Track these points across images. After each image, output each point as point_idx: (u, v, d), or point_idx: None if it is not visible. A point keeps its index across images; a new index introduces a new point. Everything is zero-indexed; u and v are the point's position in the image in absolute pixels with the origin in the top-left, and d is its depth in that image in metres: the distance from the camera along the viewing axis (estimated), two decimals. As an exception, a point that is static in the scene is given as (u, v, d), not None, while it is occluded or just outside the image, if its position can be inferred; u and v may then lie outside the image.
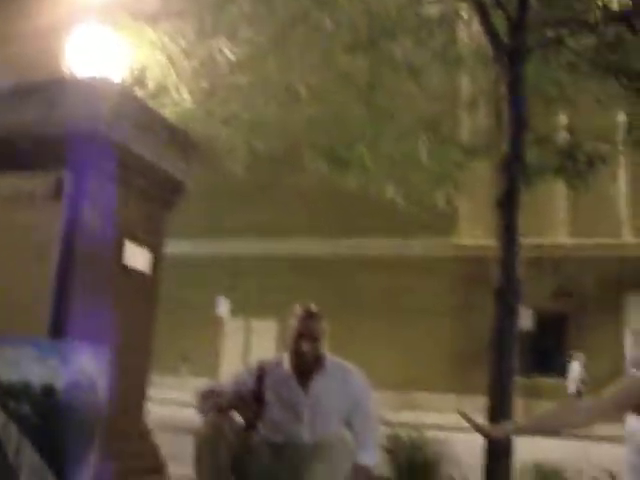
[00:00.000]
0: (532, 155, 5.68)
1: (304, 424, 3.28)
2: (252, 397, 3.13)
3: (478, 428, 2.86)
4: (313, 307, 3.54)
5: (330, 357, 3.50)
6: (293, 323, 3.42)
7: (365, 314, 22.66)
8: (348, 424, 3.35)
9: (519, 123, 5.01)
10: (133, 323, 5.63)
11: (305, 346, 3.33)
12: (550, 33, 5.75)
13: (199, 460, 3.03)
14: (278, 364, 3.48)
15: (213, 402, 3.30)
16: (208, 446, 2.99)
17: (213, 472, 2.96)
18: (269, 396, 3.32)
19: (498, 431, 3.05)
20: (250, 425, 3.11)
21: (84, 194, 5.18)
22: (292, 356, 3.40)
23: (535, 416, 3.39)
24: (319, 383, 3.37)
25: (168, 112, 6.92)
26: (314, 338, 3.36)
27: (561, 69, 6.05)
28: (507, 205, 4.82)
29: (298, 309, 3.49)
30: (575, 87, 6.24)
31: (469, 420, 2.86)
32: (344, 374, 3.45)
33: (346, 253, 23.76)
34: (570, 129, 6.44)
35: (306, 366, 3.38)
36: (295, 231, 24.02)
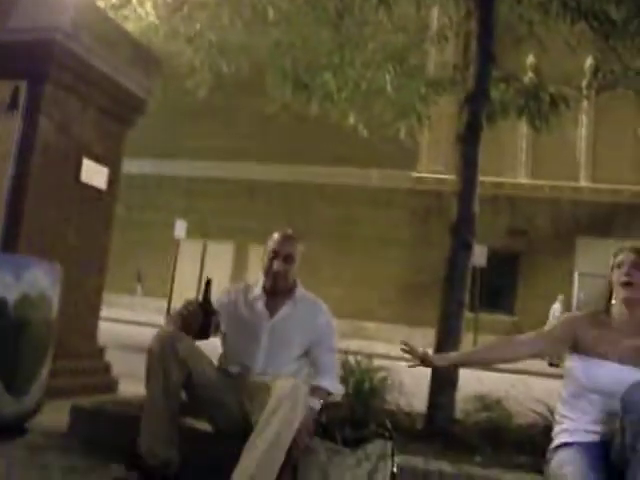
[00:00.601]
0: (497, 92, 5.68)
1: (261, 349, 3.27)
2: (199, 308, 3.10)
3: (421, 357, 2.92)
4: (289, 231, 3.54)
5: (302, 289, 3.49)
6: (269, 244, 3.42)
7: (320, 242, 22.77)
8: (308, 357, 3.36)
9: (486, 59, 4.99)
10: (88, 240, 5.59)
11: (277, 265, 3.33)
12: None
13: (149, 377, 3.03)
14: (249, 287, 3.48)
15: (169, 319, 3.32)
16: (158, 362, 2.99)
17: (163, 388, 2.97)
18: (230, 323, 3.33)
19: (440, 360, 3.12)
20: (197, 336, 3.10)
21: (40, 106, 5.06)
22: (265, 277, 3.40)
23: (477, 348, 3.49)
24: (286, 310, 3.37)
25: (131, 26, 6.73)
26: (287, 258, 3.35)
27: (532, 8, 6.00)
28: (468, 140, 4.83)
29: (275, 233, 3.48)
30: (545, 27, 6.20)
31: (412, 350, 2.92)
32: (313, 307, 3.45)
33: (304, 180, 23.71)
34: (537, 70, 6.45)
35: (277, 288, 3.38)
36: (254, 156, 23.85)
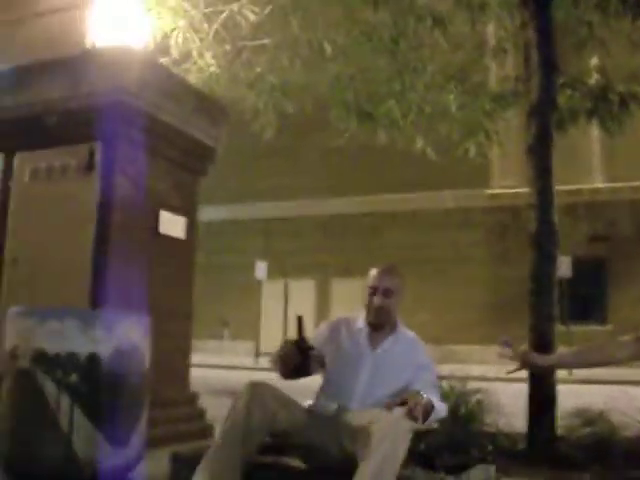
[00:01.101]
0: (563, 99, 5.58)
1: (360, 382, 3.22)
2: (295, 347, 3.08)
3: (521, 356, 2.85)
4: (389, 264, 3.55)
5: (403, 326, 3.48)
6: (368, 280, 3.42)
7: (400, 269, 22.63)
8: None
9: (549, 67, 4.91)
10: (173, 289, 5.71)
11: (377, 300, 3.32)
12: (577, -28, 5.61)
13: (228, 418, 3.01)
14: (354, 319, 3.48)
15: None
16: (243, 407, 2.97)
17: (243, 431, 2.91)
18: (333, 353, 3.30)
19: (540, 359, 3.03)
20: (298, 374, 3.08)
21: (115, 164, 5.23)
22: (367, 312, 3.40)
23: (579, 349, 3.36)
24: (388, 344, 3.35)
25: (193, 78, 6.91)
26: (386, 292, 3.33)
27: (590, 9, 5.90)
28: (539, 151, 4.75)
29: (374, 268, 3.48)
30: (606, 27, 6.08)
31: (512, 348, 2.86)
32: (413, 344, 3.44)
33: (376, 210, 23.67)
34: (602, 71, 6.28)
35: (379, 322, 3.36)
36: (326, 191, 23.98)
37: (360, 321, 3.42)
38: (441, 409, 3.26)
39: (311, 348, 3.10)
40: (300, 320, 3.13)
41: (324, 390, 3.34)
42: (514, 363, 2.90)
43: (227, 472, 2.93)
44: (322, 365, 3.27)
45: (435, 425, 3.59)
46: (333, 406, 3.21)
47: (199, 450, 4.18)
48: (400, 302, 3.42)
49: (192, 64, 6.96)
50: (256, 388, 3.05)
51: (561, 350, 4.06)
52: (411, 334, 3.47)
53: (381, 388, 3.23)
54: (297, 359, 3.04)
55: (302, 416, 3.13)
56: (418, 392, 3.09)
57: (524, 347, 2.90)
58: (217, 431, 3.01)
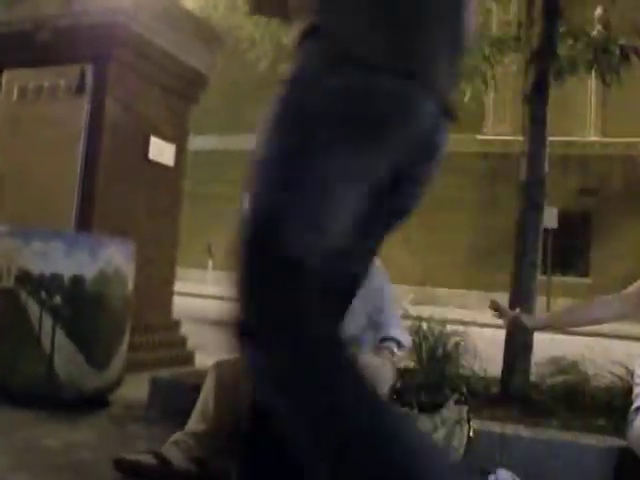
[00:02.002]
0: (564, 48, 5.51)
1: None
2: None
3: (512, 318, 2.88)
4: None
5: None
6: None
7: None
8: (371, 323, 3.26)
9: (552, 14, 4.83)
10: (158, 216, 5.70)
11: None
12: None
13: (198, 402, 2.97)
14: None
15: None
16: (207, 390, 2.96)
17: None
18: None
19: (530, 321, 3.06)
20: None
21: (106, 87, 5.15)
22: None
23: (567, 309, 3.39)
24: None
25: (190, 3, 6.77)
26: None
27: (599, -43, 5.79)
28: (536, 99, 4.70)
29: None
30: (612, -23, 5.99)
31: (502, 310, 2.89)
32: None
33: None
34: (605, 22, 6.19)
35: None
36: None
37: None
38: (404, 338, 3.28)
39: None
40: None
41: None
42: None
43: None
44: None
45: (406, 350, 3.57)
46: None
47: (179, 375, 4.26)
48: None
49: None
50: (222, 367, 3.03)
51: (552, 311, 4.12)
52: None
53: (347, 329, 3.23)
54: None
55: None
56: (386, 337, 3.13)
57: (513, 311, 2.92)
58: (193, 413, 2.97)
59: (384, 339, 3.18)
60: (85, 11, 5.15)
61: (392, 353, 3.14)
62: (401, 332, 3.29)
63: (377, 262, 3.44)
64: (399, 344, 3.20)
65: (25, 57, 5.46)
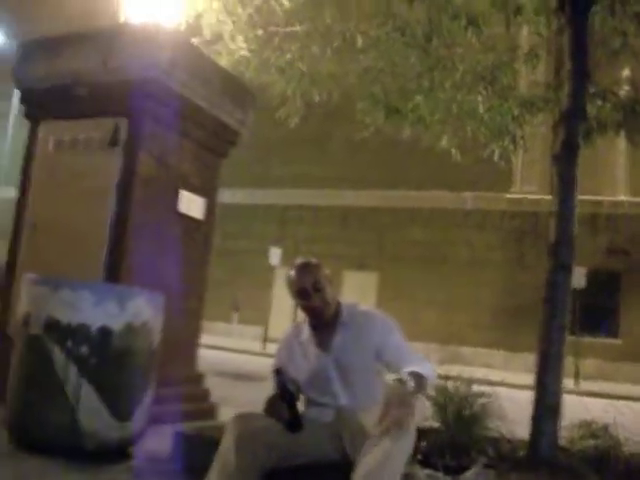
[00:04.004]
0: (593, 109, 5.54)
1: (336, 385, 3.14)
2: (280, 401, 2.96)
3: None
4: (302, 260, 3.28)
5: (346, 305, 3.29)
6: (290, 284, 3.20)
7: (414, 266, 22.63)
8: (385, 365, 3.13)
9: (581, 75, 4.86)
10: (187, 268, 5.74)
11: (310, 301, 3.14)
12: (617, -19, 5.55)
13: (218, 456, 2.89)
14: (299, 327, 3.34)
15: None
16: (227, 444, 2.87)
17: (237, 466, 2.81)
18: (298, 374, 3.16)
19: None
20: (291, 428, 2.95)
21: (140, 141, 5.25)
22: (307, 316, 3.24)
23: None
24: (338, 339, 3.18)
25: (223, 60, 6.91)
26: (315, 287, 3.13)
27: (627, 19, 5.83)
28: (565, 160, 4.71)
29: (291, 270, 3.24)
30: (640, 38, 6.02)
31: None
32: (364, 320, 3.22)
33: (396, 205, 23.63)
34: (633, 83, 6.23)
35: (322, 320, 3.20)
36: (346, 182, 23.95)
37: (305, 329, 3.29)
38: (428, 371, 3.01)
39: (297, 398, 3.05)
40: (278, 372, 3.06)
41: (310, 401, 3.28)
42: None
43: None
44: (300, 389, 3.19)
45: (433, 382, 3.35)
46: (330, 412, 3.16)
47: (202, 429, 4.23)
48: (332, 288, 3.23)
49: (223, 46, 6.95)
50: (242, 422, 2.99)
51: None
52: (360, 309, 3.30)
53: (359, 379, 3.15)
54: (287, 415, 2.99)
55: (294, 436, 3.02)
56: (398, 383, 2.84)
57: None
58: (211, 469, 2.90)
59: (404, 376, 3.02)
60: (121, 67, 5.29)
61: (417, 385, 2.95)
62: (422, 366, 3.11)
63: (376, 311, 3.36)
64: (421, 377, 2.93)
65: (62, 110, 5.60)
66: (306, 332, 3.28)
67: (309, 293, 3.16)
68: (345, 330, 3.21)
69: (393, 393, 2.74)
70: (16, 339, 4.09)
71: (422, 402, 2.96)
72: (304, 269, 3.20)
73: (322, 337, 3.23)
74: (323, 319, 3.21)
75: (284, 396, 3.01)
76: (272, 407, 3.03)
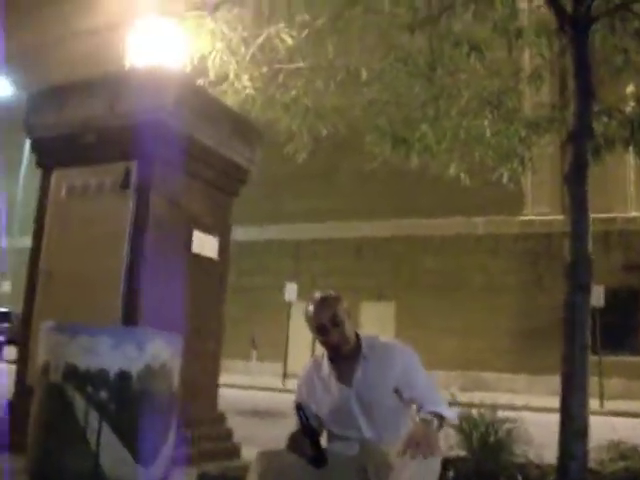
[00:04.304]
0: (599, 127, 5.54)
1: (359, 420, 3.12)
2: (303, 437, 2.97)
3: None
4: (320, 294, 3.25)
5: (366, 338, 3.26)
6: (308, 320, 3.19)
7: (429, 294, 22.54)
8: (407, 399, 3.11)
9: (586, 94, 4.87)
10: (204, 309, 5.74)
11: (329, 337, 3.13)
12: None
13: None
14: (318, 362, 3.31)
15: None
16: None
17: None
18: (319, 410, 3.18)
19: None
20: (316, 464, 2.94)
21: (151, 183, 5.29)
22: (326, 351, 3.23)
23: None
24: (359, 373, 3.16)
25: (229, 100, 6.97)
26: (333, 322, 3.11)
27: (628, 37, 5.86)
28: (575, 179, 4.70)
29: (309, 304, 3.22)
30: (642, 54, 6.04)
31: None
32: (385, 354, 3.20)
33: (408, 234, 23.61)
34: (638, 98, 6.24)
35: (342, 355, 3.18)
36: (358, 214, 24.00)
37: (324, 364, 3.27)
38: (449, 413, 3.08)
39: (319, 433, 3.05)
40: (299, 408, 3.05)
41: (333, 435, 3.26)
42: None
43: None
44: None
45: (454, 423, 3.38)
46: (354, 445, 3.13)
47: (225, 470, 4.19)
48: (350, 321, 3.21)
49: (229, 86, 7.02)
50: (266, 459, 2.98)
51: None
52: (380, 341, 3.28)
53: (381, 413, 3.13)
54: (310, 450, 2.98)
55: (318, 472, 2.99)
56: (421, 423, 2.92)
57: None
58: None
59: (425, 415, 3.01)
60: (128, 111, 5.35)
61: (438, 425, 2.96)
62: (445, 408, 3.13)
63: (396, 343, 3.34)
64: (442, 418, 3.00)
65: (72, 157, 5.67)
66: (326, 366, 3.25)
67: (327, 329, 3.13)
68: (366, 364, 3.18)
69: (418, 427, 2.79)
70: (36, 388, 4.08)
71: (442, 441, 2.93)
72: (322, 304, 3.18)
73: (343, 371, 3.21)
74: (342, 353, 3.19)
75: (306, 431, 2.99)
76: (295, 443, 3.01)
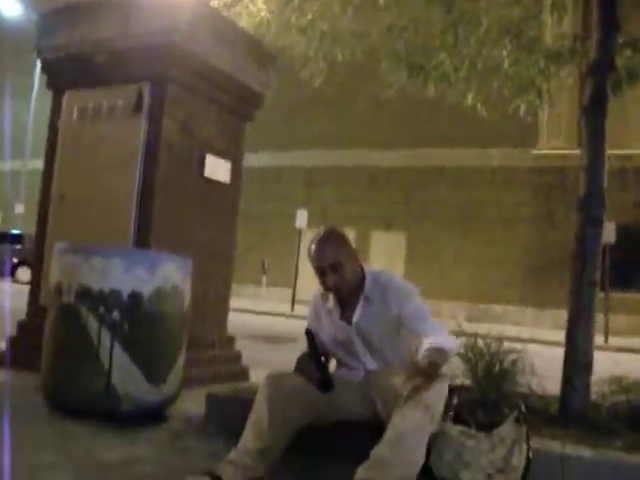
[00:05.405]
0: (622, 59, 5.42)
1: (361, 352, 3.20)
2: (311, 362, 3.03)
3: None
4: (324, 232, 3.24)
5: (371, 274, 3.26)
6: (310, 260, 3.17)
7: (442, 225, 22.56)
8: (407, 330, 3.15)
9: (610, 25, 4.74)
10: (215, 233, 5.77)
11: (328, 280, 3.12)
12: None
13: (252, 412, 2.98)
14: (325, 297, 3.32)
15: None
16: (261, 401, 2.96)
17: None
18: (325, 340, 3.25)
19: None
20: (322, 389, 3.00)
21: (164, 106, 5.25)
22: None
23: None
24: (360, 309, 3.19)
25: (244, 23, 6.85)
26: (334, 267, 3.10)
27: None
28: (594, 112, 4.62)
29: (311, 241, 3.22)
30: (671, -14, 5.86)
31: None
32: (382, 291, 3.20)
33: (423, 164, 23.46)
34: (664, 32, 6.08)
35: (345, 294, 3.20)
36: (372, 142, 23.81)
37: (331, 296, 3.28)
38: (450, 344, 3.09)
39: (326, 361, 3.11)
40: (309, 334, 3.10)
41: (339, 362, 3.35)
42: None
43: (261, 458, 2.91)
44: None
45: (454, 354, 3.41)
46: (359, 374, 3.22)
47: (235, 391, 4.28)
48: (354, 260, 3.21)
49: (243, 8, 6.90)
50: (275, 382, 3.05)
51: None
52: (382, 279, 3.25)
53: (383, 344, 3.20)
54: (318, 374, 3.02)
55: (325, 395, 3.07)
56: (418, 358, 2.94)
57: None
58: (246, 428, 2.98)
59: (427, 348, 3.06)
60: (142, 32, 5.26)
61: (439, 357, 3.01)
62: (445, 339, 3.15)
63: (396, 279, 3.35)
64: (442, 349, 3.00)
65: (84, 79, 5.61)
66: (331, 300, 3.29)
67: (325, 272, 3.14)
68: (366, 303, 3.21)
69: (418, 361, 2.84)
70: (49, 308, 4.15)
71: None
72: (323, 245, 3.17)
73: (345, 308, 3.26)
74: (342, 293, 3.22)
75: (314, 356, 3.05)
76: (303, 366, 3.08)
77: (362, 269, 3.27)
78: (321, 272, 3.15)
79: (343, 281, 3.15)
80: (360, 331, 3.21)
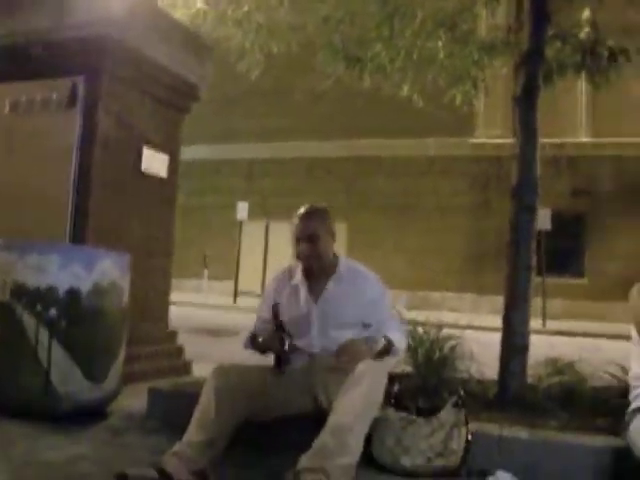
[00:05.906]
0: (552, 51, 5.54)
1: (314, 333, 3.26)
2: (278, 336, 3.11)
3: None
4: (310, 207, 3.35)
5: (345, 261, 3.38)
6: (292, 229, 3.28)
7: (381, 215, 22.71)
8: (367, 329, 3.26)
9: (540, 17, 4.86)
10: (153, 227, 5.71)
11: (303, 249, 3.21)
12: None
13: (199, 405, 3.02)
14: (292, 270, 3.41)
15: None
16: (208, 394, 3.00)
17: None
18: (284, 315, 3.24)
19: None
20: (280, 366, 3.10)
21: (99, 100, 5.16)
22: (299, 262, 3.33)
23: None
24: (330, 290, 3.28)
25: (179, 14, 6.78)
26: (311, 238, 3.21)
27: (584, -41, 5.83)
28: (525, 102, 4.72)
29: (297, 213, 3.32)
30: (599, -21, 6.01)
31: None
32: (359, 280, 3.33)
33: (361, 154, 23.56)
34: (594, 24, 6.23)
35: (314, 271, 3.29)
36: (309, 133, 23.82)
37: (298, 273, 3.37)
38: (400, 341, 3.29)
39: (290, 335, 3.15)
40: (276, 308, 3.17)
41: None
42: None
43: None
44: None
45: (400, 357, 3.59)
46: (303, 357, 3.26)
47: (177, 385, 4.27)
48: (331, 241, 3.33)
49: (179, 0, 6.82)
50: (222, 374, 3.09)
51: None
52: (360, 268, 3.40)
53: (337, 327, 3.25)
54: (279, 350, 3.08)
55: (270, 383, 3.14)
56: (352, 340, 3.13)
57: None
58: (192, 421, 3.00)
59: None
60: (76, 24, 5.16)
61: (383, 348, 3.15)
62: (399, 337, 3.31)
63: (372, 274, 3.46)
64: (390, 343, 3.20)
65: (17, 71, 5.47)
66: (299, 275, 3.36)
67: (300, 242, 3.24)
68: (338, 283, 3.30)
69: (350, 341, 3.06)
70: (-16, 306, 4.05)
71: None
72: (308, 217, 3.29)
73: (314, 285, 3.33)
74: (314, 268, 3.30)
75: (279, 329, 3.12)
76: (268, 340, 3.18)
77: (335, 254, 3.38)
78: (297, 240, 3.26)
79: (317, 253, 3.25)
80: (324, 309, 3.28)
